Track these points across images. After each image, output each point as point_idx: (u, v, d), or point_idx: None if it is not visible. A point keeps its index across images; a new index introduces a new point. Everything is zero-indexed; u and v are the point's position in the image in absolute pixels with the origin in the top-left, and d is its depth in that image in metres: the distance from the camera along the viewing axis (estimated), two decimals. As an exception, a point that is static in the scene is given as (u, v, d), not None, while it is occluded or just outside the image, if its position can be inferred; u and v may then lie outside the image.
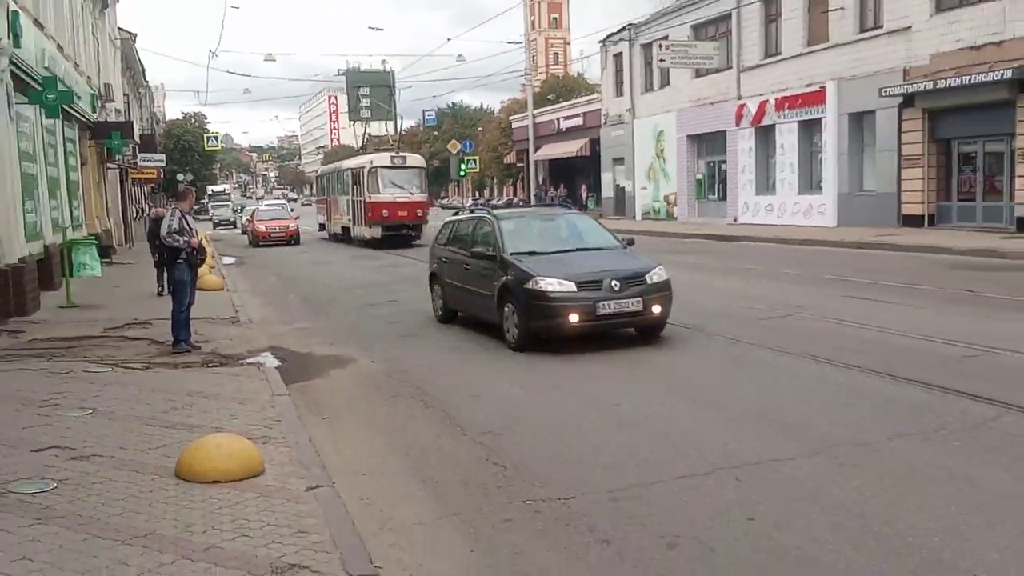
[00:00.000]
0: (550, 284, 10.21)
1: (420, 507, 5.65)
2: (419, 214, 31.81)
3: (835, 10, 28.27)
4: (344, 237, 35.72)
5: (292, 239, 35.99)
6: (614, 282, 10.28)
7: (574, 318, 10.11)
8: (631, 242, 12.28)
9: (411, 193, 31.61)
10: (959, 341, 9.82)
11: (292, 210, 45.12)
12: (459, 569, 4.69)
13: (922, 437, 6.51)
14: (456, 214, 14.54)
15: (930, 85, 24.03)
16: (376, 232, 30.89)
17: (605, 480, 5.92)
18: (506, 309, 10.81)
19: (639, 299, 10.34)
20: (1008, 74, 21.59)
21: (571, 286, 10.19)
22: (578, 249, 11.55)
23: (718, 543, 4.82)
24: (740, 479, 5.79)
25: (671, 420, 7.35)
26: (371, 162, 32.10)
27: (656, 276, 10.79)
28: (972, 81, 22.56)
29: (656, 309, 10.52)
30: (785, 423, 7.09)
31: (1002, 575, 4.28)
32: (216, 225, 62.29)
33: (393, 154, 33.31)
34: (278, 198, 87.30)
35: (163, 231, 11.00)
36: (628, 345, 10.69)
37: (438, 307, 13.30)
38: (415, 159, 34.47)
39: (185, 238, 10.88)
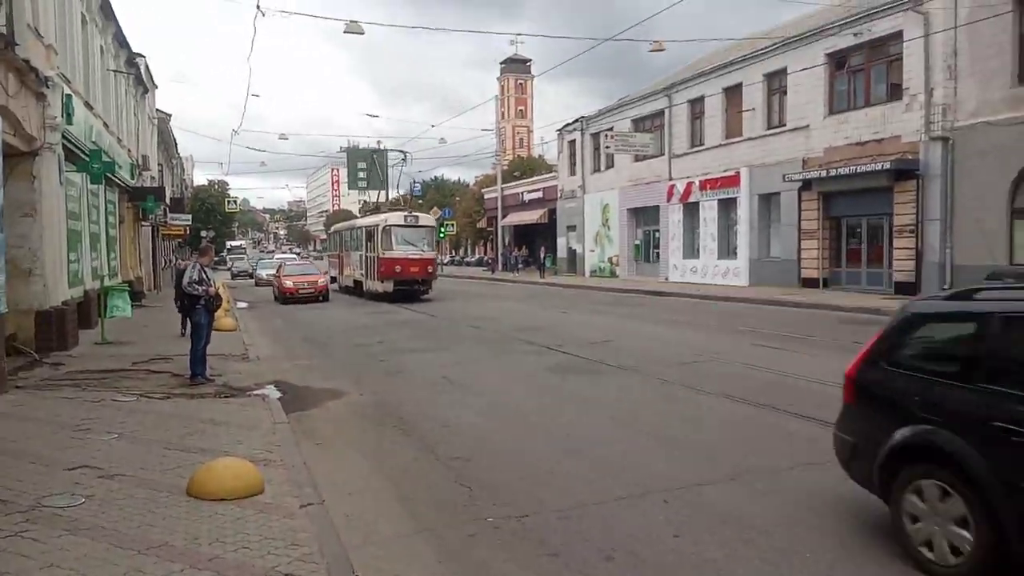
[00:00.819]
0: None
1: (398, 523, 5.52)
2: (429, 270, 28.49)
3: (747, 111, 28.94)
4: (355, 290, 31.97)
5: (321, 296, 28.80)
6: None
7: None
8: None
9: (422, 251, 28.42)
10: (848, 384, 9.87)
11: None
12: (429, 578, 4.58)
13: (819, 467, 6.48)
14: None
15: (824, 173, 24.56)
16: (388, 286, 27.49)
17: (555, 500, 5.83)
18: None
19: None
20: (887, 165, 22.14)
21: None
22: None
23: (648, 556, 4.75)
24: (668, 501, 5.74)
25: (612, 448, 7.29)
26: (385, 220, 28.52)
27: None
28: (858, 170, 23.10)
29: None
30: (706, 451, 7.07)
31: (884, 586, 4.25)
32: (235, 276, 58.25)
33: (406, 213, 29.96)
34: (286, 253, 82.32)
35: (185, 281, 10.87)
36: (579, 384, 10.64)
37: None
38: (426, 219, 30.97)
39: (203, 287, 10.76)
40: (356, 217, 43.71)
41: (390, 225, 28.16)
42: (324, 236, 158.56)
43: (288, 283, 28.79)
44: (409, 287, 27.83)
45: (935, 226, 21.54)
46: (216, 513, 5.29)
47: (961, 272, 21.00)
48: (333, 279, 35.80)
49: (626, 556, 4.77)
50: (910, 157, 21.97)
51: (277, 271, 32.46)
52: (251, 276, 53.83)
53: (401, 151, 35.57)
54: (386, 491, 6.26)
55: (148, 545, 4.74)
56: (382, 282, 27.64)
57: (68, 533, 4.93)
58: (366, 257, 29.94)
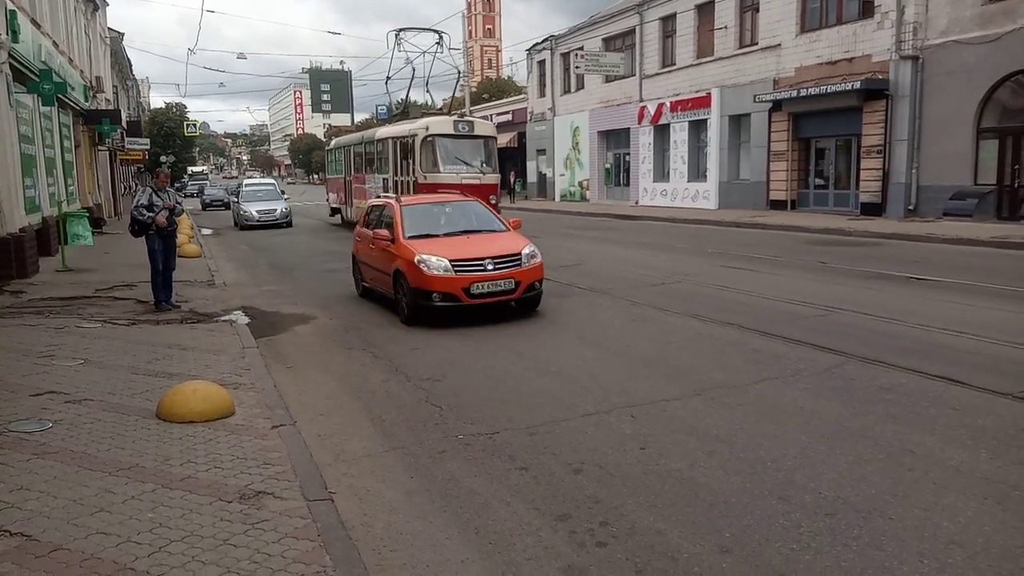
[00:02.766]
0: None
1: (369, 442, 5.60)
2: (491, 201, 18.99)
3: (719, 29, 28.49)
4: None
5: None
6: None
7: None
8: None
9: (480, 173, 20.19)
10: (812, 302, 10.10)
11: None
12: (401, 493, 4.68)
13: (781, 381, 6.69)
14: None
15: (794, 93, 24.43)
16: None
17: (525, 418, 5.95)
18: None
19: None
20: (857, 85, 22.06)
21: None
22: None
23: (615, 468, 4.89)
24: (635, 416, 5.88)
25: (580, 367, 7.41)
26: (426, 129, 20.12)
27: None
28: (828, 90, 23.00)
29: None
30: (672, 369, 7.21)
31: (839, 491, 4.43)
32: (206, 206, 47.85)
33: (456, 118, 21.14)
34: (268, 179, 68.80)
35: (132, 205, 10.60)
36: (548, 306, 10.72)
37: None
38: (484, 126, 21.72)
39: (151, 214, 10.46)
40: (335, 137, 35.00)
41: (433, 135, 20.05)
42: (288, 162, 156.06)
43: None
44: None
45: (902, 146, 21.66)
46: (186, 435, 5.33)
47: (926, 192, 21.29)
48: (334, 211, 29.88)
49: (593, 468, 4.90)
50: (880, 77, 21.90)
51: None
52: (228, 206, 43.05)
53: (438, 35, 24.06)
54: (357, 412, 6.33)
55: (118, 467, 4.77)
56: None
57: (37, 457, 4.94)
58: (395, 183, 21.58)
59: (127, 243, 18.39)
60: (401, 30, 25.00)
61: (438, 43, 24.67)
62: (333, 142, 32.80)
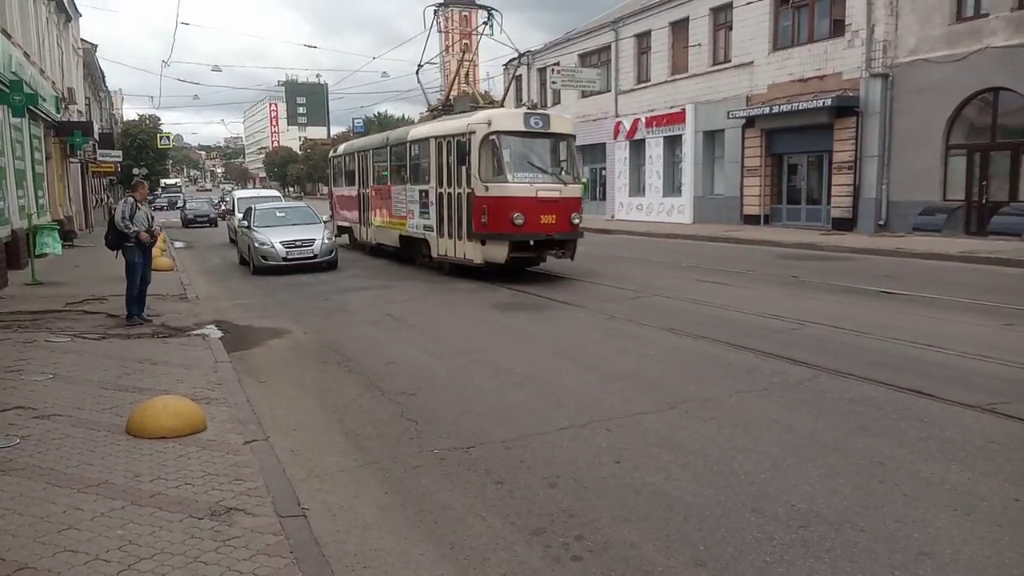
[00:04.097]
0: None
1: (342, 457, 5.55)
2: (574, 221, 14.79)
3: (693, 46, 28.86)
4: (403, 253, 18.63)
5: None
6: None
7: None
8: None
9: (559, 182, 14.81)
10: (784, 316, 10.20)
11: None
12: (375, 508, 4.64)
13: (754, 394, 6.74)
14: None
15: (767, 110, 24.78)
16: (497, 251, 14.39)
17: (501, 432, 5.94)
18: None
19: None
20: (828, 102, 22.45)
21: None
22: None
23: (590, 482, 4.89)
24: (610, 429, 5.89)
25: (556, 380, 7.41)
26: (488, 124, 14.65)
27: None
28: (800, 107, 23.38)
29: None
30: (647, 382, 7.24)
31: (811, 503, 4.47)
32: (189, 221, 40.21)
33: (527, 111, 15.58)
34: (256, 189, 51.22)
35: (117, 217, 10.47)
36: (524, 320, 10.74)
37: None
38: (563, 121, 16.06)
39: (135, 229, 10.41)
40: (339, 143, 28.14)
41: (498, 132, 14.58)
42: (263, 175, 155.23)
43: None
44: (535, 252, 14.89)
45: (873, 162, 22.04)
46: (157, 451, 5.25)
47: (896, 208, 21.64)
48: (342, 230, 23.56)
49: (568, 482, 4.90)
50: (851, 94, 22.29)
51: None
52: (213, 223, 39.09)
53: (487, 13, 18.57)
54: (331, 427, 6.28)
55: (87, 483, 4.70)
56: (481, 243, 14.63)
57: (3, 473, 4.85)
58: (440, 196, 16.03)
59: (98, 256, 18.16)
60: (441, 5, 20.32)
61: (486, 22, 19.21)
62: (341, 147, 25.51)
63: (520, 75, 42.26)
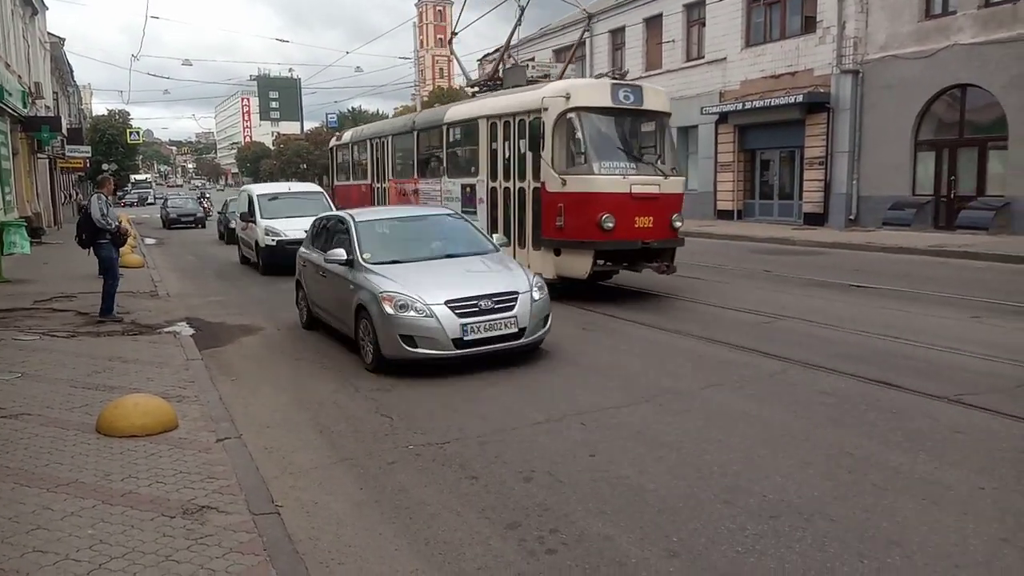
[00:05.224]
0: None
1: (316, 454, 5.53)
2: (675, 224, 11.79)
3: (667, 42, 29.00)
4: None
5: None
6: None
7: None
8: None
9: (660, 174, 11.69)
10: (756, 310, 10.31)
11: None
12: (350, 505, 4.63)
13: (727, 387, 6.81)
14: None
15: (740, 106, 24.98)
16: (577, 263, 11.39)
17: (475, 427, 5.94)
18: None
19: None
20: (799, 98, 22.67)
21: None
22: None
23: (565, 476, 4.92)
24: (584, 423, 5.92)
25: (531, 376, 7.43)
26: (567, 97, 11.30)
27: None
28: (772, 103, 23.58)
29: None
30: (621, 376, 7.28)
31: (782, 494, 4.53)
32: (171, 222, 34.87)
33: (614, 79, 12.34)
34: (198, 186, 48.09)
35: (96, 214, 10.25)
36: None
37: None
38: (657, 96, 12.33)
39: (115, 224, 10.32)
40: (339, 136, 23.36)
41: (579, 109, 11.41)
42: (235, 170, 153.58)
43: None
44: (623, 263, 11.82)
45: (843, 158, 22.31)
46: (127, 450, 5.20)
47: (866, 203, 21.93)
48: None
49: (543, 476, 4.92)
50: (822, 90, 22.52)
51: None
52: (200, 223, 35.22)
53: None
54: (304, 424, 6.25)
55: (57, 483, 4.64)
56: (555, 253, 11.66)
57: (-31, 474, 4.77)
58: (492, 192, 13.04)
59: (67, 254, 17.91)
60: None
61: None
62: (348, 134, 22.16)
63: (467, 79, 42.20)
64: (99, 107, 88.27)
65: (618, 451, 5.31)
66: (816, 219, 23.08)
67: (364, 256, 8.41)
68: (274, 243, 15.62)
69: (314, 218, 10.95)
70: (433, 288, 7.64)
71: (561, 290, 11.40)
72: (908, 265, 14.95)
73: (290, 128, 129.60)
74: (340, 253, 8.50)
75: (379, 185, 18.43)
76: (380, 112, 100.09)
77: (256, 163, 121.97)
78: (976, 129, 19.65)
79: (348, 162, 21.25)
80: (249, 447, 5.41)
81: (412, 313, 7.41)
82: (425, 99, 63.19)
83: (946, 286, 12.03)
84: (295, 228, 14.58)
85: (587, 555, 3.90)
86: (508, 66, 16.81)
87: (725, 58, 26.23)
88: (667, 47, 29.03)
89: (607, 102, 11.54)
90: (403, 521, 4.38)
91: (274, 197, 17.48)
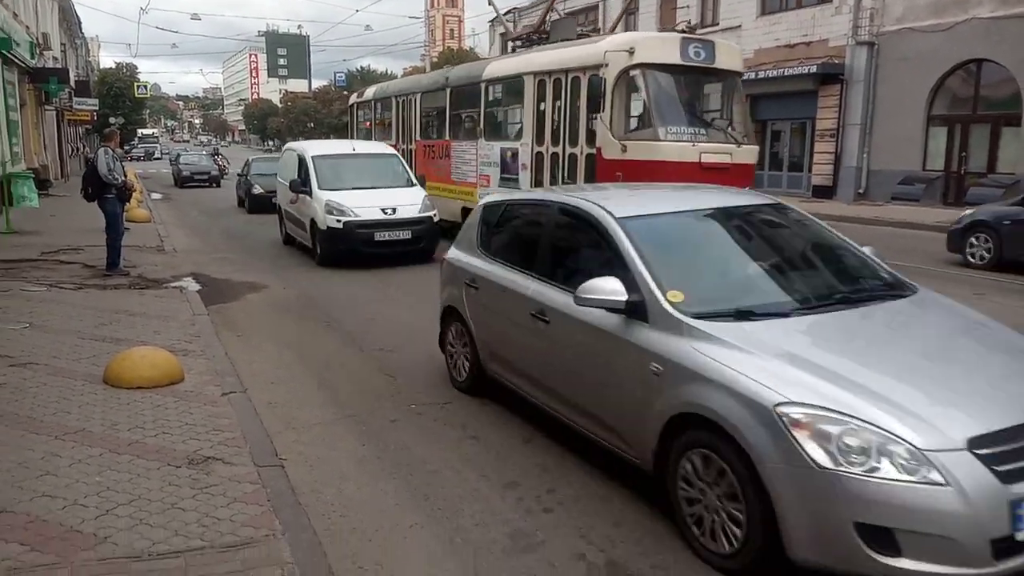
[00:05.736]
0: None
1: (320, 410, 5.62)
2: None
3: (682, 8, 28.60)
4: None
5: None
6: None
7: None
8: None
9: (732, 141, 10.83)
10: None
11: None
12: (352, 460, 4.72)
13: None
14: None
15: (753, 75, 24.66)
16: None
17: (478, 389, 6.01)
18: None
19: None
20: (813, 69, 22.43)
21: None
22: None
23: (564, 438, 4.99)
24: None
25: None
26: (630, 52, 10.27)
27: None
28: (785, 73, 23.33)
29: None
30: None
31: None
32: (184, 180, 33.01)
33: (684, 34, 11.07)
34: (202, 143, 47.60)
35: (102, 168, 10.21)
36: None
37: None
38: (730, 53, 11.31)
39: (121, 179, 10.32)
40: (354, 96, 21.78)
41: (643, 66, 10.45)
42: (242, 127, 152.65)
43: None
44: None
45: (855, 131, 22.12)
46: (134, 400, 5.28)
47: (876, 177, 21.80)
48: None
49: (543, 439, 5.00)
50: (836, 61, 22.27)
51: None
52: (215, 182, 33.17)
53: None
54: (308, 381, 6.33)
55: (65, 431, 4.72)
56: None
57: (-21, 420, 4.87)
58: (538, 157, 11.98)
59: (74, 206, 17.94)
60: None
61: None
62: (371, 90, 20.12)
63: (506, 31, 41.78)
64: (107, 60, 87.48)
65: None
66: (825, 192, 22.96)
67: (688, 312, 3.81)
68: (340, 224, 11.69)
69: (394, 191, 9.56)
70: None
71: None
72: (913, 240, 14.90)
73: (298, 86, 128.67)
74: (613, 291, 4.00)
75: (405, 146, 16.75)
76: (389, 72, 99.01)
77: (263, 120, 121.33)
78: (990, 105, 19.43)
79: (370, 121, 19.53)
80: (254, 401, 5.49)
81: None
82: (435, 59, 62.64)
83: (946, 263, 12.01)
84: (367, 205, 11.81)
85: (583, 514, 3.99)
86: (554, 18, 14.52)
87: (740, 25, 25.87)
88: (682, 12, 28.60)
89: (676, 59, 10.40)
90: (404, 477, 4.47)
91: (336, 161, 13.08)
